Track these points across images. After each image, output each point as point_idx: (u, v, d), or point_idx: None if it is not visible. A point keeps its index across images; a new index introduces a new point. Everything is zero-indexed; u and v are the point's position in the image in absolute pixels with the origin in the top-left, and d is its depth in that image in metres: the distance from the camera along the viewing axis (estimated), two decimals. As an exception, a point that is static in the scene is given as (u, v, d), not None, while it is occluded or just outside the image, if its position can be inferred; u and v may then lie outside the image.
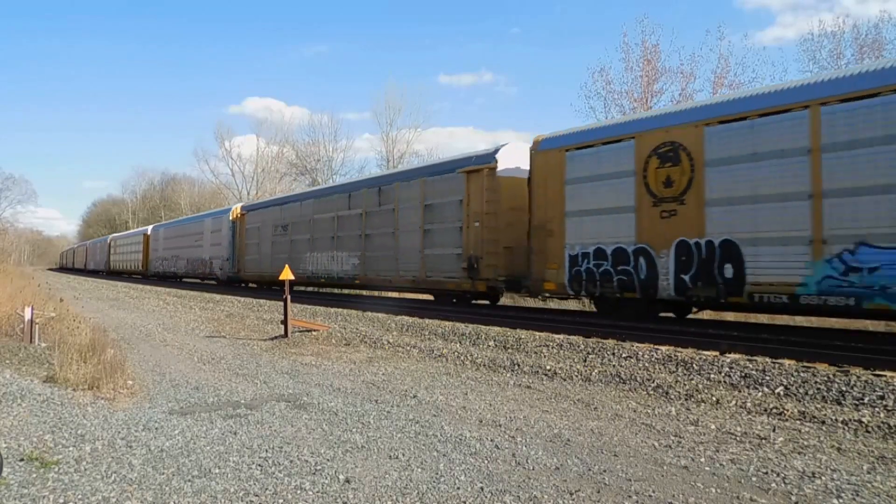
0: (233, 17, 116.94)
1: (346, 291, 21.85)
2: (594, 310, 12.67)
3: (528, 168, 12.01)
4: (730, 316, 12.26)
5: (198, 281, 29.88)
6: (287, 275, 10.62)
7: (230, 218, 25.88)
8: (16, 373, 6.26)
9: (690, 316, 11.34)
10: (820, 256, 7.83)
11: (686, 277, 9.26)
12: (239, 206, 26.53)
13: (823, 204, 7.83)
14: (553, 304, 15.33)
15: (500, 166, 12.92)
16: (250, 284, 25.22)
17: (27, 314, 8.53)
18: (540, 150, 11.59)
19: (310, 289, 22.15)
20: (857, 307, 7.51)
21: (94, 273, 50.19)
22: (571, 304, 14.91)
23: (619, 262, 10.16)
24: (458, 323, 10.41)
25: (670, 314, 11.21)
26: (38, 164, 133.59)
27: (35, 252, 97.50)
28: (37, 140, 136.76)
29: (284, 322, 10.15)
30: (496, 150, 13.23)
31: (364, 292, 21.12)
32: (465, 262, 13.10)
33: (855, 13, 51.38)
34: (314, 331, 10.46)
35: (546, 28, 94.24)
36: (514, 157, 13.06)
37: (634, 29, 38.92)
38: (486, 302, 14.73)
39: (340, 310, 13.37)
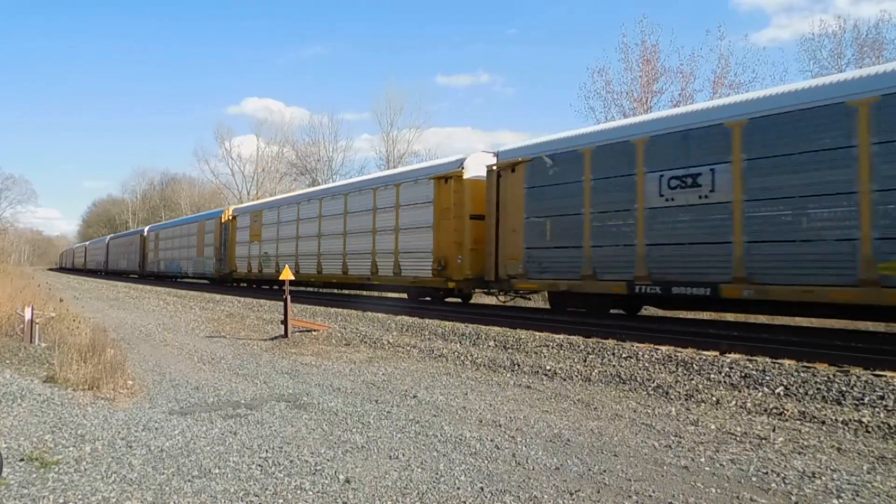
0: (231, 18, 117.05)
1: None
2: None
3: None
4: (730, 316, 12.26)
5: (102, 272, 51.74)
6: (287, 275, 10.63)
7: (105, 242, 53.17)
8: (16, 373, 6.26)
9: (692, 317, 11.34)
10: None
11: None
12: (109, 236, 55.30)
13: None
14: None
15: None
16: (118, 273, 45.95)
17: (27, 314, 8.53)
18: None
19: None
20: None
21: (77, 271, 64.80)
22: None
23: None
24: (458, 323, 10.41)
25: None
26: (38, 164, 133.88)
27: (35, 252, 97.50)
28: (37, 140, 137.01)
29: (284, 322, 10.15)
30: None
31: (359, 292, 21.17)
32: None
33: (848, 14, 51.47)
34: (314, 331, 10.46)
35: (543, 29, 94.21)
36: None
37: (634, 29, 38.90)
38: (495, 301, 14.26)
39: (340, 310, 13.37)
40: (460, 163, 14.08)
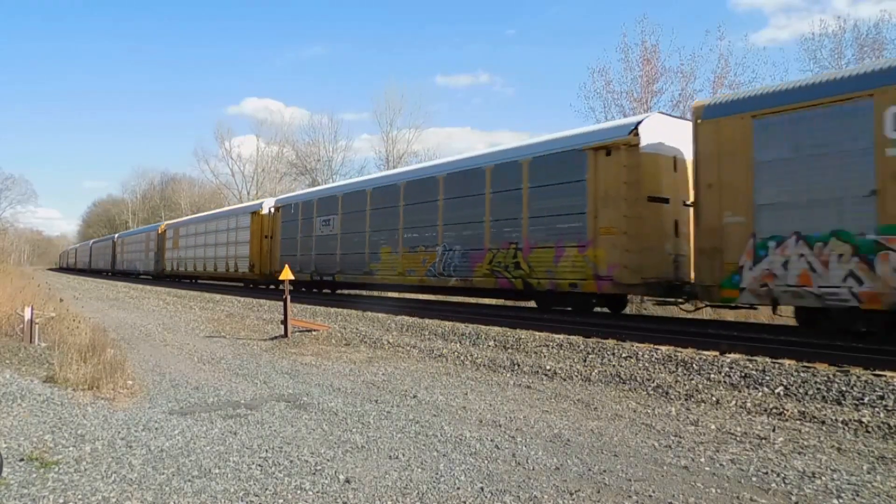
0: (230, 19, 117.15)
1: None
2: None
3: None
4: (730, 316, 12.27)
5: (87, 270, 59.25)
6: (287, 275, 10.62)
7: (90, 245, 61.20)
8: (16, 373, 6.26)
9: (691, 317, 11.36)
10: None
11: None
12: (92, 240, 62.20)
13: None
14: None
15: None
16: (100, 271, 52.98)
17: (27, 314, 8.53)
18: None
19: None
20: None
21: (74, 271, 67.49)
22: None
23: None
24: (458, 323, 10.41)
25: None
26: (38, 164, 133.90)
27: (35, 252, 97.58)
28: (37, 140, 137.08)
29: (284, 322, 10.14)
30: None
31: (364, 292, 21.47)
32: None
33: (848, 15, 51.44)
34: (314, 331, 10.46)
35: (542, 29, 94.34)
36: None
37: (634, 29, 38.90)
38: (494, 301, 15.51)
39: (340, 310, 13.37)
40: (260, 205, 24.54)
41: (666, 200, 10.40)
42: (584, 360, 7.29)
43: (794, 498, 3.35)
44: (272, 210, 23.12)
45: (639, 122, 10.33)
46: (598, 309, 12.25)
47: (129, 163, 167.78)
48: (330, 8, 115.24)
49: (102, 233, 70.26)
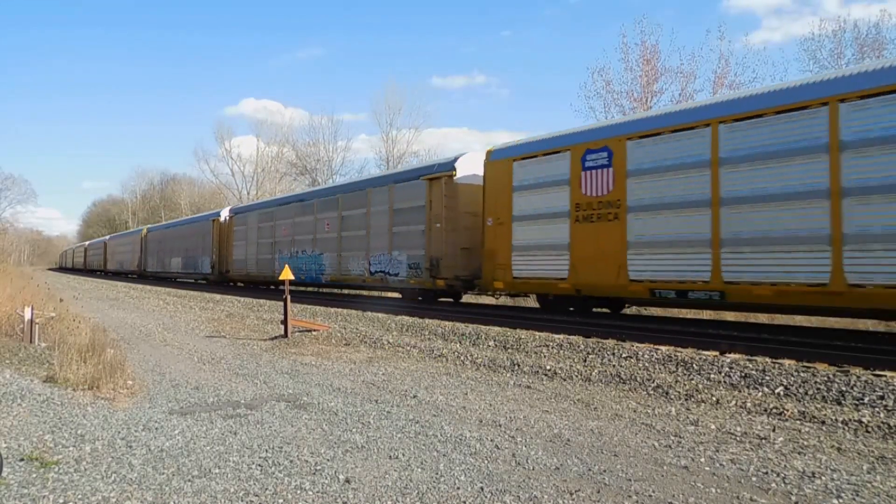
0: (226, 18, 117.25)
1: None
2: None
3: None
4: (730, 316, 12.26)
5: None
6: (287, 275, 10.62)
7: (85, 246, 64.41)
8: (16, 373, 6.26)
9: (692, 316, 11.38)
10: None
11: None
12: (87, 242, 64.95)
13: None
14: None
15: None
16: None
17: (27, 314, 8.53)
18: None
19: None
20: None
21: (73, 270, 68.87)
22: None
23: None
24: (458, 323, 10.40)
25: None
26: (38, 164, 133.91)
27: (35, 252, 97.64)
28: (37, 140, 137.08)
29: (284, 322, 10.14)
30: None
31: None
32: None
33: (848, 15, 51.49)
34: (314, 331, 10.46)
35: (538, 30, 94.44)
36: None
37: (633, 29, 38.85)
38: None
39: (340, 310, 13.37)
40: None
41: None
42: (584, 360, 7.29)
43: (793, 498, 3.35)
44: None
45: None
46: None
47: (129, 163, 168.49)
48: (325, 9, 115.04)
49: (102, 233, 70.37)
